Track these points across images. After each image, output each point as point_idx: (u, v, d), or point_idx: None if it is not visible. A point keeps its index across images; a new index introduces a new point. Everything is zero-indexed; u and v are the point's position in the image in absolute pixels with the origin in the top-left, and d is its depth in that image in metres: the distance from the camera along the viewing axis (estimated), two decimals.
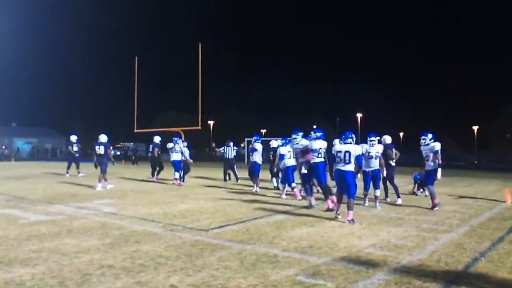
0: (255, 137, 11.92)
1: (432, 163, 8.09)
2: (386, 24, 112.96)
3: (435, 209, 7.94)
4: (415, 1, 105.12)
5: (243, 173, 14.34)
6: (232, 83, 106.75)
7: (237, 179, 14.17)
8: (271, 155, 12.08)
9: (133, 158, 30.68)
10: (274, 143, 11.97)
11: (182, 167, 13.36)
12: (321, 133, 8.22)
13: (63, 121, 72.86)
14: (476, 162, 38.27)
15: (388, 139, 9.54)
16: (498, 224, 6.58)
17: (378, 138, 9.01)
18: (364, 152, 7.97)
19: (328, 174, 7.75)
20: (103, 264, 4.17)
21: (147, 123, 30.92)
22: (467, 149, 46.83)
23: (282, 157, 9.97)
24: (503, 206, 8.80)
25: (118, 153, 51.79)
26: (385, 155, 8.80)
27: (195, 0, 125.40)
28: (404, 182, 13.03)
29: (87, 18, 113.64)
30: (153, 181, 13.87)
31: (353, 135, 7.08)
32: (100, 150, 11.57)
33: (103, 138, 11.74)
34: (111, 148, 12.55)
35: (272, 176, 12.20)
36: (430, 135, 8.26)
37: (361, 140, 11.33)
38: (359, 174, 7.73)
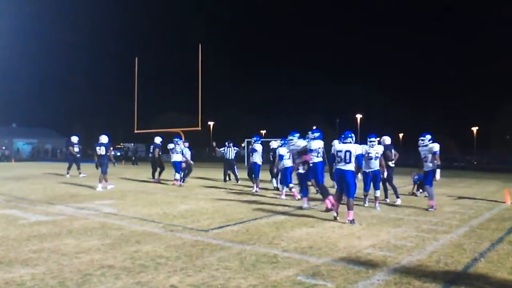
0: (255, 138, 11.94)
1: (430, 164, 8.10)
2: (386, 24, 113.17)
3: (430, 209, 7.96)
4: (415, 1, 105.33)
5: (243, 174, 14.35)
6: (232, 84, 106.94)
7: (237, 179, 14.18)
8: (271, 156, 12.09)
9: (133, 158, 30.70)
10: (274, 143, 11.98)
11: (183, 167, 13.38)
12: (319, 133, 8.32)
13: (63, 122, 73.03)
14: (475, 163, 38.28)
15: (387, 140, 9.56)
16: (498, 225, 6.59)
17: (378, 139, 9.03)
18: (363, 153, 7.98)
19: (326, 174, 7.78)
20: (103, 264, 4.17)
21: (147, 124, 30.97)
22: (467, 150, 46.83)
23: (281, 157, 10.02)
24: (503, 206, 8.81)
25: (118, 153, 51.81)
26: (384, 156, 8.81)
27: (194, 1, 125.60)
28: (404, 183, 13.04)
29: (87, 18, 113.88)
30: (156, 182, 13.84)
31: (353, 134, 7.10)
32: (101, 150, 11.60)
33: (104, 139, 11.78)
34: (111, 148, 12.56)
35: (272, 177, 12.21)
36: (428, 136, 8.28)
37: (360, 141, 11.34)
38: (359, 175, 7.73)
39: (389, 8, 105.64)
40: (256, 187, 11.20)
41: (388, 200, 9.22)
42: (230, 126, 63.70)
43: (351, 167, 6.76)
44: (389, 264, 4.28)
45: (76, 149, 16.90)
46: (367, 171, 8.43)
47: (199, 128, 26.28)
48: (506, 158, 35.67)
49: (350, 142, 6.93)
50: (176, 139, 13.46)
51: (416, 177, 10.66)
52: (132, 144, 52.74)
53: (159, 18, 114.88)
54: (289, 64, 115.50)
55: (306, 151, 8.06)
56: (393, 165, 9.37)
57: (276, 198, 9.84)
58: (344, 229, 6.11)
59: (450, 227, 6.38)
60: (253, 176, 11.40)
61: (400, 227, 6.30)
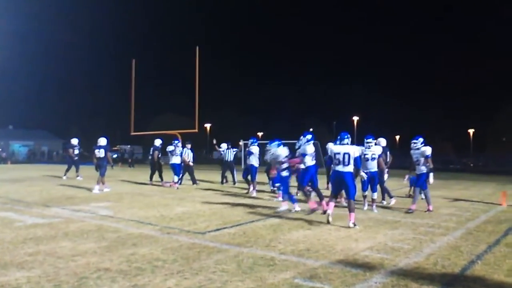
0: (252, 140, 11.93)
1: (423, 167, 8.16)
2: (386, 24, 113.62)
3: (409, 211, 8.01)
4: (415, 1, 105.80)
5: (239, 176, 14.32)
6: (230, 85, 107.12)
7: (234, 182, 14.16)
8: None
9: (130, 160, 30.64)
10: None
11: (182, 170, 13.33)
12: (311, 136, 8.32)
13: (60, 124, 72.67)
14: (472, 165, 38.33)
15: (383, 142, 9.58)
16: (494, 227, 6.61)
17: (375, 140, 9.04)
18: (360, 154, 7.99)
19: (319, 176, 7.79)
20: (99, 267, 4.15)
21: (143, 126, 30.86)
22: (463, 152, 47.07)
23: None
24: (499, 209, 8.84)
25: (115, 155, 51.60)
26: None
27: (192, 2, 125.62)
28: (401, 185, 13.05)
29: (84, 20, 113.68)
30: (163, 185, 13.49)
31: (349, 135, 7.06)
32: (100, 153, 11.60)
33: (103, 141, 11.77)
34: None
35: (269, 179, 12.20)
36: (421, 139, 8.32)
37: (357, 143, 11.36)
38: (363, 174, 7.70)
39: (389, 8, 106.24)
40: (253, 189, 11.18)
41: (384, 202, 9.23)
42: (228, 127, 63.77)
43: (350, 169, 6.73)
44: (387, 267, 4.28)
45: (76, 151, 16.82)
46: (364, 172, 8.42)
47: (196, 130, 26.24)
48: (502, 160, 35.76)
49: (347, 144, 6.91)
50: (175, 142, 13.44)
51: (413, 179, 10.63)
52: (129, 146, 52.57)
53: (157, 20, 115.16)
54: (289, 64, 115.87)
55: (300, 154, 8.09)
56: (386, 169, 9.40)
57: (272, 200, 9.83)
58: (341, 231, 6.11)
59: (447, 229, 6.39)
60: (249, 178, 11.40)
61: (397, 229, 6.31)
